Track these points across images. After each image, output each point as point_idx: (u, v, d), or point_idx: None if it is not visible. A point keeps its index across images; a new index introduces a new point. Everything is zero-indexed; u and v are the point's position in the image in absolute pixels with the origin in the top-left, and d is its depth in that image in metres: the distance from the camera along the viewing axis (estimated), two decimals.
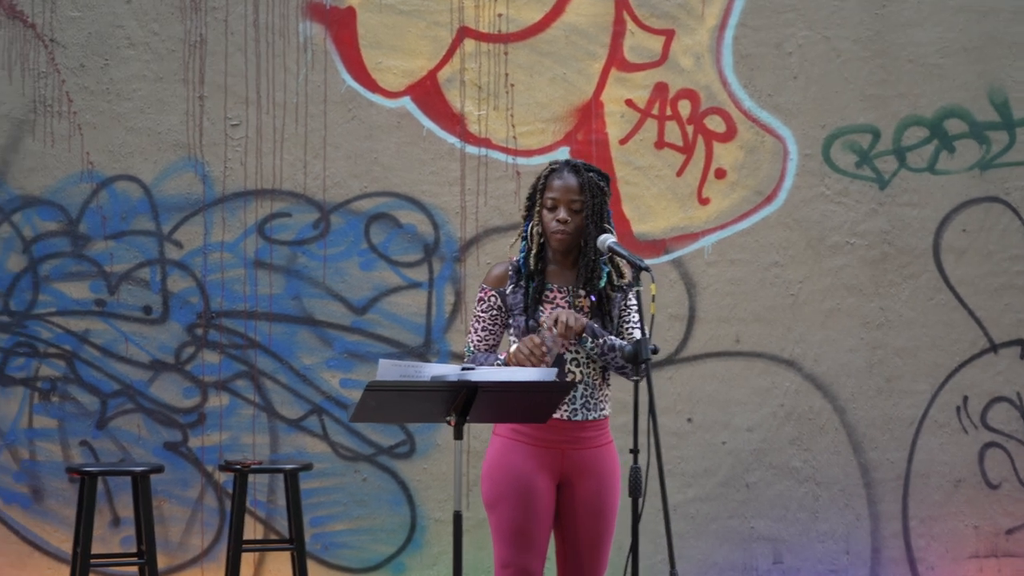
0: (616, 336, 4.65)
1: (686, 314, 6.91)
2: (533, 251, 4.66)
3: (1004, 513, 7.06)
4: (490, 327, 4.66)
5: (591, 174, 4.66)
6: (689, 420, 6.87)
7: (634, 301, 4.65)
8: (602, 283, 4.64)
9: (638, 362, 4.41)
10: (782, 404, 6.95)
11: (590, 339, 4.57)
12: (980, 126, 7.07)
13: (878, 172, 7.02)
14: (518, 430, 4.61)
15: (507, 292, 4.65)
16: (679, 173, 6.92)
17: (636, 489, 4.43)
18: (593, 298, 4.63)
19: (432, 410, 4.25)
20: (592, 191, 4.63)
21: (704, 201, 6.94)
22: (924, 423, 7.02)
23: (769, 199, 6.96)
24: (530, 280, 4.64)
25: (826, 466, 6.96)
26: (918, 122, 7.04)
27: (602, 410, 4.65)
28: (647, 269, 4.46)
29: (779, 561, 6.93)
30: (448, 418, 4.25)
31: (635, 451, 4.44)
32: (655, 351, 4.48)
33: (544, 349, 4.44)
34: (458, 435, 4.25)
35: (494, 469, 4.63)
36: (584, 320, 4.53)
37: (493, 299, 4.66)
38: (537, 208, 4.68)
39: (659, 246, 6.88)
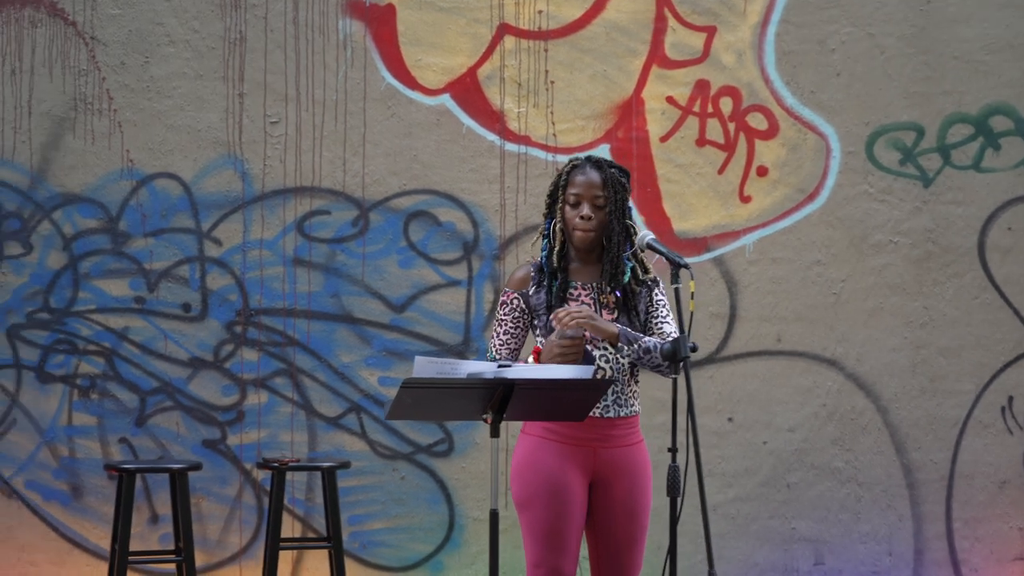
0: (644, 332, 4.60)
1: (727, 313, 6.86)
2: (556, 249, 4.61)
3: None
4: (512, 331, 4.61)
5: (613, 170, 4.62)
6: (730, 419, 6.82)
7: (660, 296, 4.62)
8: (626, 278, 4.58)
9: (677, 360, 4.37)
10: (824, 404, 6.89)
11: (625, 346, 4.52)
12: None
13: (922, 170, 6.95)
14: (548, 428, 4.55)
15: (530, 293, 4.61)
16: (720, 171, 6.88)
17: (675, 488, 4.39)
18: (619, 294, 4.58)
19: (468, 408, 4.22)
20: (615, 187, 4.58)
21: (746, 199, 6.88)
22: (968, 423, 6.94)
23: (811, 197, 6.90)
24: (553, 278, 4.59)
25: (868, 467, 6.89)
26: (963, 119, 6.97)
27: (632, 407, 4.59)
28: (686, 266, 4.43)
29: (820, 562, 6.87)
30: (484, 416, 4.21)
31: (673, 450, 4.41)
32: (694, 349, 4.44)
33: (568, 341, 4.40)
34: (494, 433, 4.21)
35: (525, 468, 4.57)
36: (614, 327, 4.47)
37: (516, 301, 4.61)
38: (559, 205, 4.62)
39: (700, 244, 6.84)
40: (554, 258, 4.60)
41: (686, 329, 4.41)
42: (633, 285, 4.61)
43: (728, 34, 6.86)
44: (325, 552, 6.35)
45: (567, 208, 4.60)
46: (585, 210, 4.56)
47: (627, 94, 6.83)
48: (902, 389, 6.92)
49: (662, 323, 4.60)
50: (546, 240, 4.65)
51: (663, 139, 6.83)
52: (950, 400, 6.94)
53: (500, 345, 4.61)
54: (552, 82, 6.79)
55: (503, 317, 4.62)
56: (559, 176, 4.64)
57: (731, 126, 6.87)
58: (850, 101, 6.91)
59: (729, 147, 6.87)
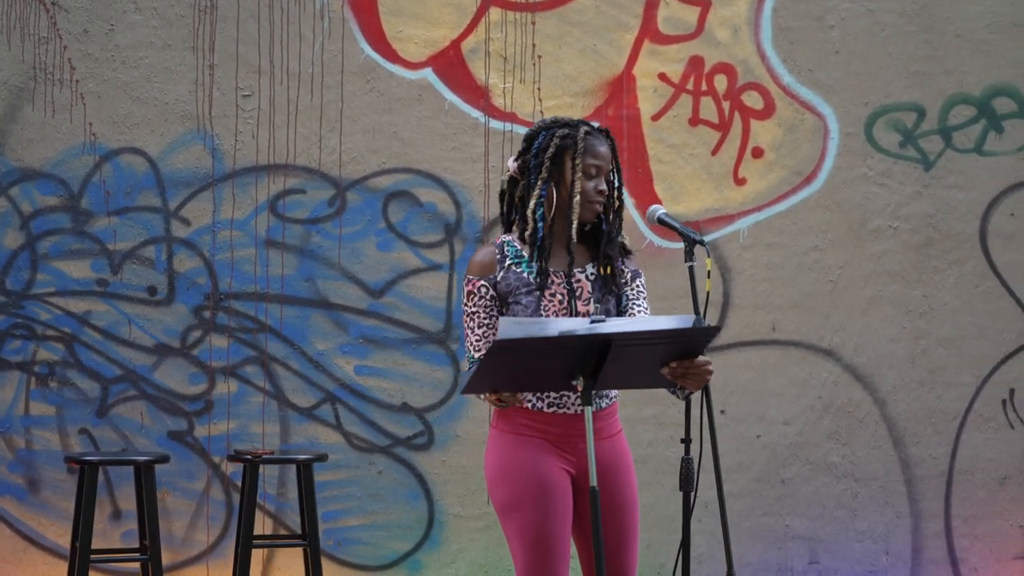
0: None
1: (720, 300, 6.71)
2: (550, 217, 4.23)
3: None
4: (487, 322, 4.23)
5: (609, 138, 4.37)
6: (722, 412, 6.66)
7: (640, 288, 4.31)
8: (613, 253, 4.28)
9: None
10: (820, 396, 6.73)
11: None
12: None
13: (923, 153, 6.81)
14: (525, 424, 4.19)
15: (498, 279, 4.23)
16: (714, 152, 6.71)
17: (688, 482, 4.20)
18: (591, 277, 4.24)
19: (556, 372, 3.83)
20: (618, 162, 4.35)
21: (740, 181, 6.72)
22: (968, 417, 6.83)
23: (808, 180, 6.75)
24: (542, 249, 4.21)
25: (865, 461, 6.76)
26: (965, 100, 6.84)
27: (611, 395, 4.26)
28: (702, 242, 4.21)
29: (815, 561, 6.74)
30: (575, 382, 3.84)
31: (687, 440, 4.22)
32: (716, 330, 4.19)
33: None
34: (587, 400, 3.84)
35: (508, 469, 4.20)
36: None
37: (484, 289, 4.23)
38: (575, 174, 4.23)
39: (693, 228, 6.61)
40: (550, 225, 4.23)
41: (701, 311, 4.15)
42: (621, 267, 4.30)
43: (723, 8, 6.71)
44: (299, 550, 6.18)
45: (582, 179, 4.25)
46: (603, 184, 4.26)
47: (618, 70, 6.65)
48: (900, 381, 6.79)
49: (640, 315, 4.28)
50: (541, 211, 4.24)
51: (655, 118, 6.67)
52: (950, 393, 6.82)
53: (478, 340, 4.23)
54: (539, 56, 6.61)
55: (474, 309, 4.24)
56: (568, 140, 4.25)
57: (726, 105, 6.70)
58: (849, 80, 6.77)
59: (723, 127, 6.71)
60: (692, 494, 4.22)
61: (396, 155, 6.54)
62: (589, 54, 6.64)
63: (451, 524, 6.53)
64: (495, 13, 6.59)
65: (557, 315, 4.18)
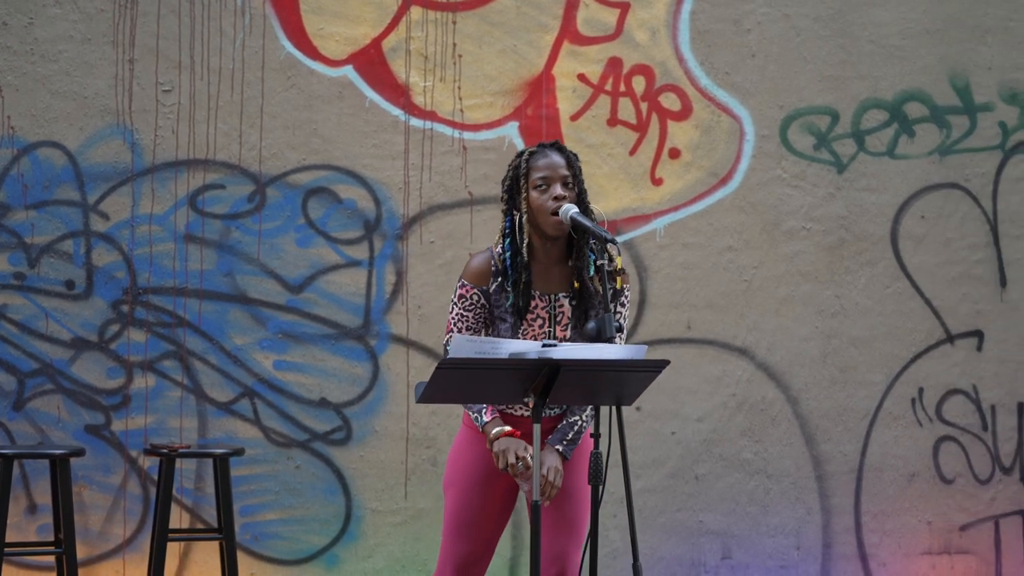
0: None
1: (637, 299, 6.75)
2: (526, 242, 4.39)
3: (958, 509, 6.95)
4: (475, 327, 4.44)
5: (570, 152, 4.47)
6: (638, 409, 6.69)
7: (618, 309, 4.44)
8: (590, 271, 4.38)
9: (602, 340, 4.19)
10: (733, 394, 6.79)
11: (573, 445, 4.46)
12: (941, 110, 6.96)
13: (836, 155, 6.89)
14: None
15: (491, 291, 4.43)
16: (632, 152, 6.74)
17: (597, 476, 4.24)
18: (573, 304, 4.41)
19: (509, 390, 3.99)
20: (576, 168, 4.44)
21: (657, 182, 6.76)
22: (878, 415, 6.91)
23: (724, 181, 6.81)
24: (520, 273, 4.38)
25: (777, 458, 6.82)
26: (878, 105, 6.93)
27: (557, 407, 4.48)
28: (613, 241, 4.27)
29: (728, 556, 6.79)
30: (526, 399, 4.01)
31: (596, 435, 4.27)
32: (619, 329, 4.28)
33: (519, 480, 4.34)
34: (536, 418, 3.99)
35: (456, 456, 4.53)
36: (559, 459, 4.38)
37: (476, 297, 4.43)
38: (523, 195, 4.40)
39: (610, 228, 6.68)
40: (524, 251, 4.38)
41: (611, 308, 4.22)
42: (596, 285, 4.40)
43: (642, 10, 6.74)
44: (215, 544, 6.15)
45: (534, 194, 4.38)
46: (557, 190, 4.35)
47: (537, 70, 6.67)
48: (812, 379, 6.85)
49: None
50: (508, 240, 4.42)
51: (573, 118, 6.69)
52: (860, 391, 6.89)
53: None
54: (460, 56, 6.61)
55: (464, 312, 4.43)
56: (516, 167, 4.44)
57: (643, 106, 6.74)
58: (765, 83, 6.83)
59: (641, 128, 6.74)
60: (600, 488, 4.26)
61: (316, 152, 6.52)
62: (509, 54, 6.65)
63: (369, 519, 6.52)
64: (416, 12, 6.58)
65: (536, 339, 4.35)
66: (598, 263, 4.28)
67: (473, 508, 4.45)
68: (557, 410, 4.47)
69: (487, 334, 4.48)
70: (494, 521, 4.49)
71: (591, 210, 4.44)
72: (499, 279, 4.42)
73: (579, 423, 4.43)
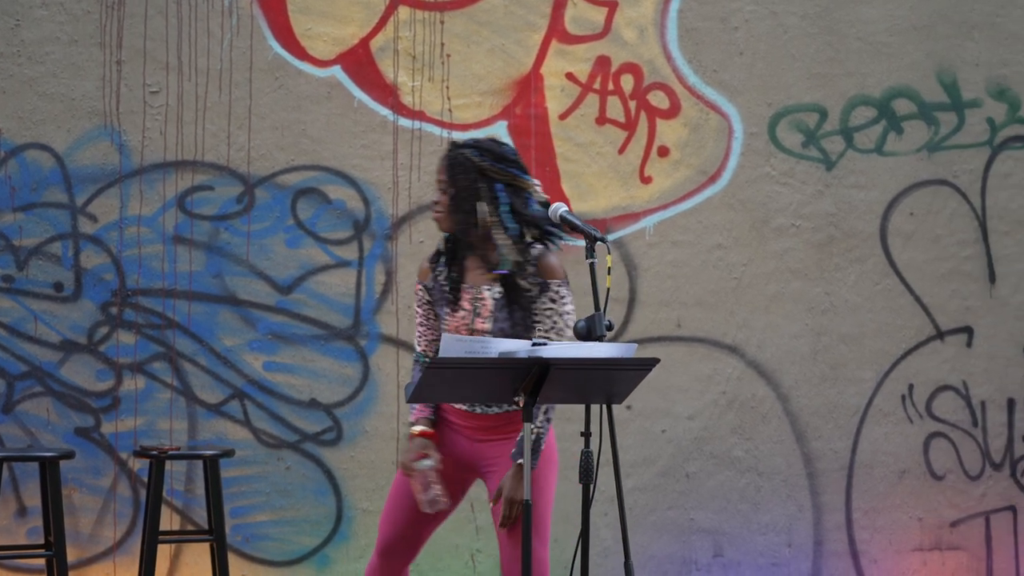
0: (527, 332, 4.45)
1: (626, 297, 6.75)
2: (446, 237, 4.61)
3: (949, 505, 6.95)
4: (426, 322, 4.62)
5: (465, 151, 4.46)
6: (628, 407, 6.68)
7: (549, 305, 4.45)
8: (504, 267, 4.43)
9: (592, 339, 4.20)
10: (724, 391, 6.79)
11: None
12: (929, 107, 6.97)
13: (825, 153, 6.89)
14: (444, 419, 4.58)
15: (430, 285, 4.58)
16: (621, 150, 6.75)
17: (587, 475, 4.25)
18: (497, 296, 4.44)
19: (499, 389, 4.04)
20: (456, 169, 4.45)
21: (646, 180, 6.76)
22: (869, 412, 6.92)
23: (713, 179, 6.81)
24: (449, 267, 4.53)
25: (768, 456, 6.82)
26: (866, 102, 6.93)
27: (509, 404, 4.49)
28: (602, 239, 4.31)
29: (719, 554, 6.79)
30: (516, 398, 4.05)
31: (586, 434, 4.29)
32: (610, 327, 4.28)
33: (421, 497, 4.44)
34: (527, 416, 4.03)
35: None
36: (522, 486, 4.36)
37: (421, 293, 4.61)
38: None
39: (599, 226, 6.68)
40: (447, 248, 4.56)
41: (602, 306, 4.24)
42: (520, 282, 4.42)
43: (630, 9, 6.74)
44: (206, 546, 6.14)
45: None
46: (437, 196, 4.53)
47: (526, 69, 6.67)
48: (803, 376, 6.86)
49: (547, 332, 4.42)
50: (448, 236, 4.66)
51: (562, 116, 6.69)
52: (851, 388, 6.90)
53: (419, 337, 4.62)
54: (448, 55, 6.60)
55: (417, 310, 4.63)
56: None
57: (632, 104, 6.74)
58: (753, 81, 6.83)
59: (630, 126, 6.74)
60: (592, 486, 4.27)
61: (305, 152, 6.51)
62: (497, 53, 6.65)
63: (359, 519, 6.51)
64: (404, 12, 6.58)
65: (458, 330, 4.43)
66: (588, 260, 4.30)
67: (399, 495, 4.56)
68: (508, 407, 4.47)
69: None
70: (417, 512, 4.54)
71: (480, 208, 4.43)
72: (437, 268, 4.55)
73: (538, 432, 4.42)
